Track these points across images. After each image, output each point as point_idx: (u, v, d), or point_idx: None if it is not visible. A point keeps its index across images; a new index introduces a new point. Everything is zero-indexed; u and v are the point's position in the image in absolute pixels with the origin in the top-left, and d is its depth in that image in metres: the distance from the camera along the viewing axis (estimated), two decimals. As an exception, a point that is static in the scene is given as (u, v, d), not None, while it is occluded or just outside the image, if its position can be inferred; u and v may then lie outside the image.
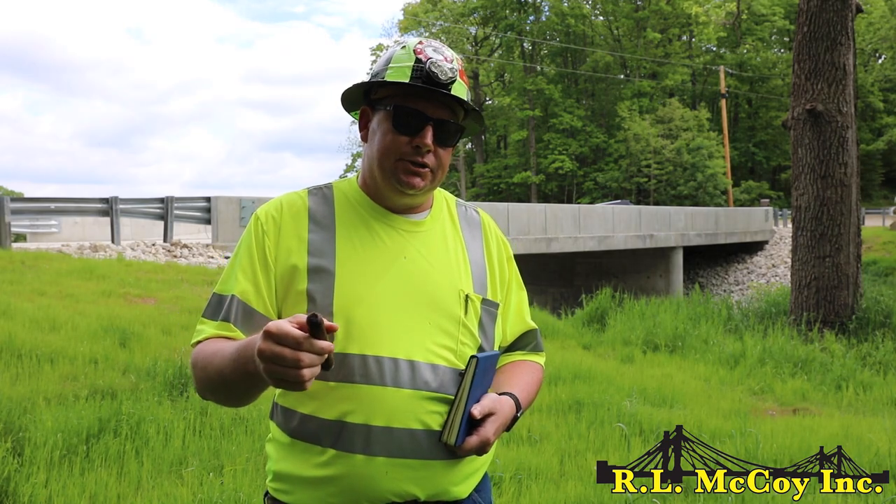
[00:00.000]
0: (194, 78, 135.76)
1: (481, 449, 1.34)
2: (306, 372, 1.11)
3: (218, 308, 1.38)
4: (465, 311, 1.41)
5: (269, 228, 1.40)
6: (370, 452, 1.31)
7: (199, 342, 1.36)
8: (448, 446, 1.33)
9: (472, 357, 1.35)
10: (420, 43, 1.40)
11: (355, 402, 1.31)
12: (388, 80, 1.37)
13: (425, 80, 1.35)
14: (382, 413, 1.31)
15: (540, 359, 1.61)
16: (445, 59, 1.38)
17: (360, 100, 1.48)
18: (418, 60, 1.36)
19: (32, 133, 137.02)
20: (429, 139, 1.36)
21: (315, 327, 1.10)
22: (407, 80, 1.36)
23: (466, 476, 1.41)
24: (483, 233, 1.54)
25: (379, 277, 1.37)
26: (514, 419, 1.42)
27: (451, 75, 1.36)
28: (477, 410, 1.33)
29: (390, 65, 1.39)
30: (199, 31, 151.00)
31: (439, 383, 1.35)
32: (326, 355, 1.13)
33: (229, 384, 1.27)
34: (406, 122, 1.36)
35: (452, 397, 1.35)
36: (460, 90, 1.39)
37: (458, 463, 1.38)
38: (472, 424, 1.34)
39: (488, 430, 1.34)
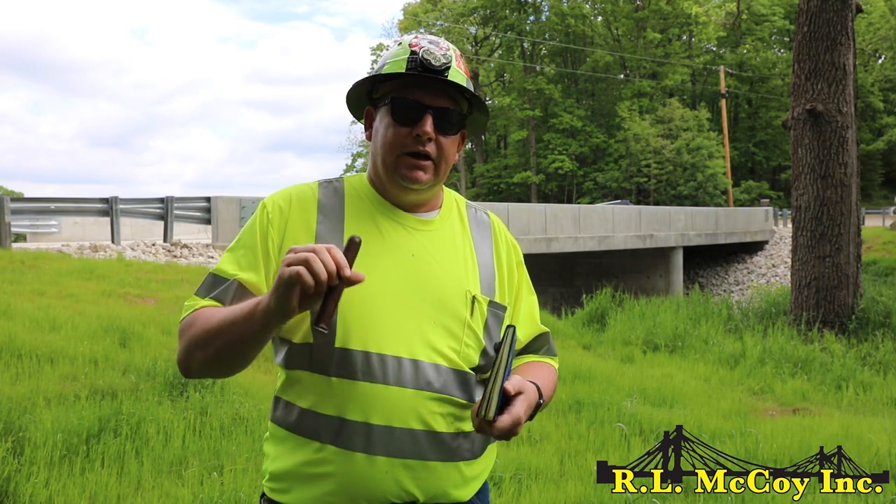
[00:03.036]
0: (196, 78, 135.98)
1: (512, 430, 1.26)
2: (319, 263, 1.12)
3: (213, 287, 1.35)
4: (471, 312, 1.39)
5: (275, 218, 1.38)
6: (371, 451, 1.29)
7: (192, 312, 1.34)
8: (483, 423, 1.25)
9: (509, 326, 1.33)
10: (416, 37, 1.42)
11: (355, 399, 1.30)
12: (385, 72, 1.39)
13: (420, 69, 1.36)
14: (383, 411, 1.30)
15: (554, 362, 1.59)
16: (439, 47, 1.39)
17: (364, 102, 1.49)
18: (413, 52, 1.38)
19: (34, 133, 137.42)
20: (428, 127, 1.35)
21: (352, 246, 1.15)
22: (403, 71, 1.37)
23: (468, 480, 1.39)
24: (493, 235, 1.53)
25: (385, 274, 1.35)
26: (538, 406, 1.37)
27: (444, 61, 1.36)
28: (510, 385, 1.28)
29: (388, 61, 1.41)
30: (201, 32, 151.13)
31: (442, 384, 1.34)
32: (329, 306, 1.14)
33: (231, 334, 1.23)
34: (405, 113, 1.37)
35: (454, 398, 1.33)
36: (457, 76, 1.39)
37: (459, 465, 1.36)
38: (503, 404, 1.27)
39: (519, 408, 1.27)
